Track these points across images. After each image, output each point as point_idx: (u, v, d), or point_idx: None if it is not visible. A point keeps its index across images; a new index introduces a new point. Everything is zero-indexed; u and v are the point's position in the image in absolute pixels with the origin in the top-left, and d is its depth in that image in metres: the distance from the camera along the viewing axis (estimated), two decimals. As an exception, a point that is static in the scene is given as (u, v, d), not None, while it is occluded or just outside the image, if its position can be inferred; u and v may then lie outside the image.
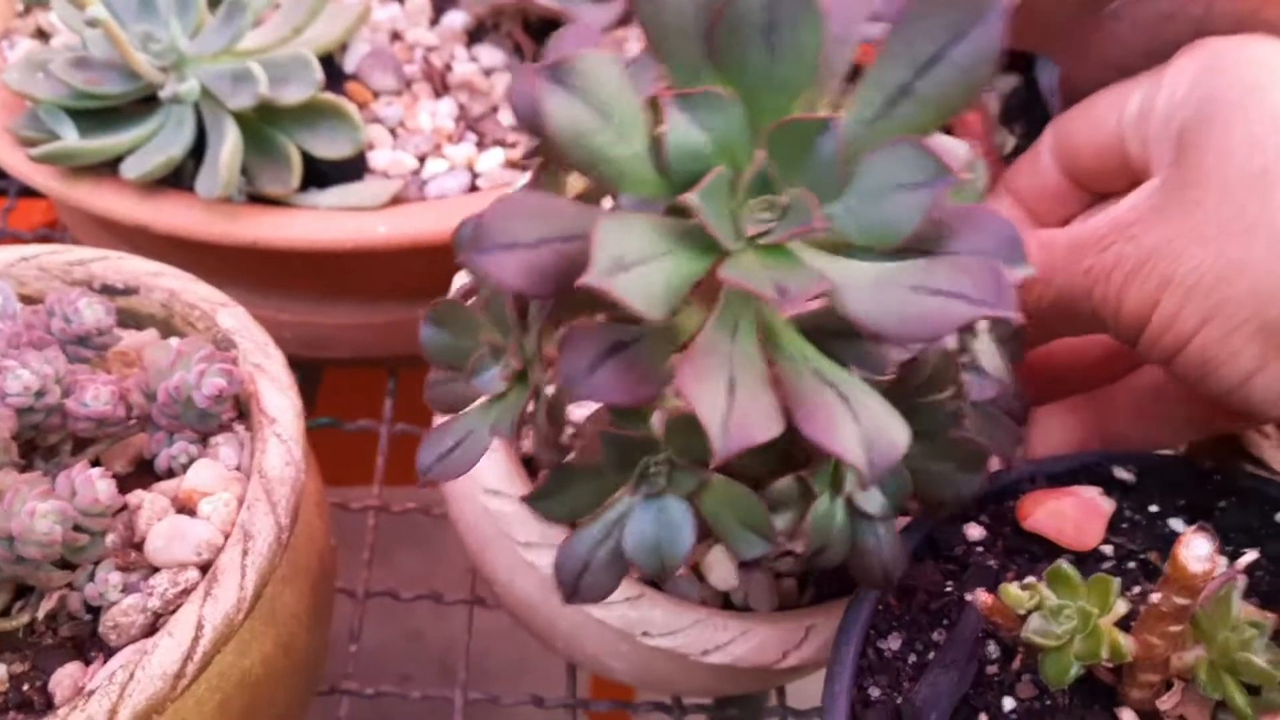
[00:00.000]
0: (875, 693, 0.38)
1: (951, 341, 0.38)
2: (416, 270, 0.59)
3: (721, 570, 0.45)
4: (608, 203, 0.35)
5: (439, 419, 0.46)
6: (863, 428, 0.30)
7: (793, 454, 0.38)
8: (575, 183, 0.38)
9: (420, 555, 0.65)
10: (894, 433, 0.31)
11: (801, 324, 0.36)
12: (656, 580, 0.45)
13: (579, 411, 0.41)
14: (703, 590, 0.45)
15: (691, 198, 0.30)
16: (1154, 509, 0.43)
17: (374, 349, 0.65)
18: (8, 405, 0.38)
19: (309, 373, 0.71)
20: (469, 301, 0.37)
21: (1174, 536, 0.42)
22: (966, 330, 0.39)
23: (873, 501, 0.38)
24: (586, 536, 0.35)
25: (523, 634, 0.53)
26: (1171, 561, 0.34)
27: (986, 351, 0.39)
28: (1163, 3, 0.45)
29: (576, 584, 0.35)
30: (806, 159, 0.31)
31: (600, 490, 0.35)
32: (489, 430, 0.35)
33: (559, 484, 0.35)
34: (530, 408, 0.35)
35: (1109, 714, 0.37)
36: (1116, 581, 0.35)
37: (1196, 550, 0.33)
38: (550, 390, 0.35)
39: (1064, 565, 0.35)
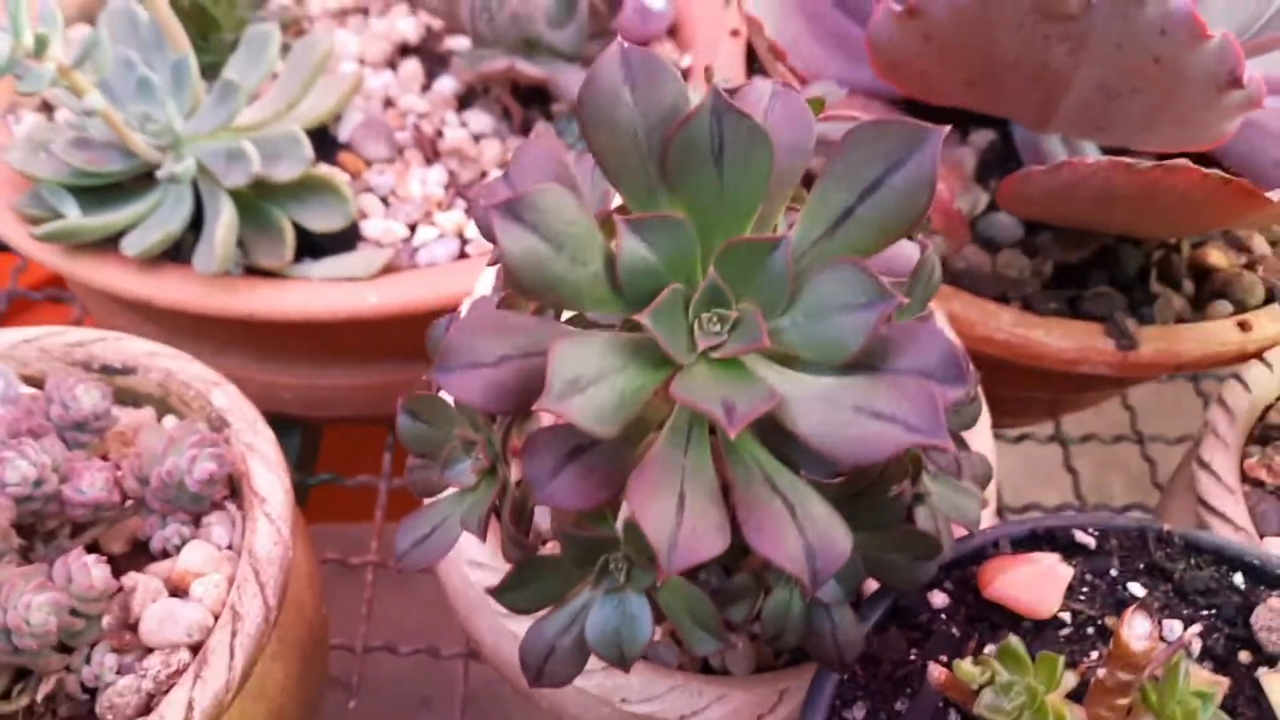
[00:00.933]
0: (840, 762, 0.40)
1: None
2: (409, 335, 0.60)
3: (697, 635, 0.47)
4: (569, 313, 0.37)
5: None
6: (807, 539, 0.32)
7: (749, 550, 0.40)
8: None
9: (418, 609, 0.67)
10: (837, 542, 0.32)
11: (758, 424, 0.38)
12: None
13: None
14: (681, 655, 0.47)
15: (644, 318, 0.31)
16: (1114, 573, 0.45)
17: (372, 408, 0.67)
18: (7, 495, 0.40)
19: (311, 431, 0.74)
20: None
21: (1134, 601, 0.44)
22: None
23: (827, 590, 0.39)
24: (550, 625, 0.37)
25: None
26: (1115, 639, 0.35)
27: None
28: (1065, 173, 0.47)
29: (541, 669, 0.37)
30: (757, 276, 0.32)
31: (563, 583, 0.37)
32: (460, 523, 0.36)
33: (524, 578, 0.36)
34: (499, 502, 0.36)
35: (1066, 781, 0.39)
36: (1062, 659, 0.36)
37: (1137, 630, 0.35)
38: (516, 488, 0.37)
39: (1012, 642, 0.37)
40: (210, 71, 0.64)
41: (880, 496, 0.37)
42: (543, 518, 0.47)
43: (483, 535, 0.36)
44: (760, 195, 0.33)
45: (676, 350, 0.32)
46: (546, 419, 0.35)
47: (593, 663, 0.44)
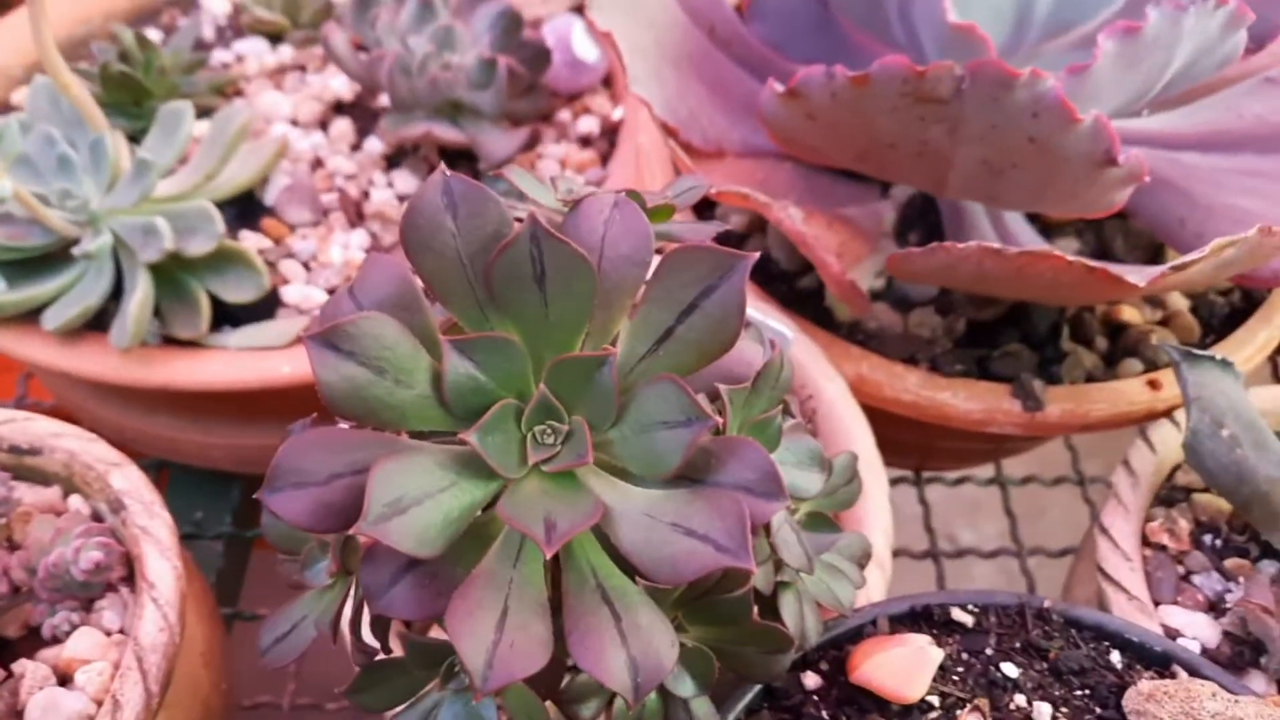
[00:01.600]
0: None
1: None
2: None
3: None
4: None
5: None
6: (630, 652, 0.33)
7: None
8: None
9: (348, 665, 0.68)
10: (661, 654, 0.33)
11: (597, 529, 0.39)
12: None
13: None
14: (570, 728, 0.48)
15: (469, 435, 0.32)
16: (989, 652, 0.45)
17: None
18: (-102, 588, 0.41)
19: (255, 483, 0.75)
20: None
21: (1006, 681, 0.44)
22: (762, 534, 0.41)
23: (682, 684, 0.40)
24: (403, 723, 0.38)
25: None
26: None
27: (787, 544, 0.40)
28: (940, 256, 0.47)
29: (399, 766, 0.38)
30: (586, 390, 0.33)
31: (410, 686, 0.38)
32: (314, 623, 0.37)
33: (371, 680, 0.37)
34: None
35: None
36: (932, 699, 0.37)
37: (971, 730, 0.35)
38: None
39: (857, 739, 0.37)
40: (141, 137, 0.65)
41: (723, 595, 0.38)
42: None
43: (334, 638, 0.37)
44: (585, 313, 0.34)
45: (506, 466, 0.33)
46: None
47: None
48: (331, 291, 0.63)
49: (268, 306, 0.61)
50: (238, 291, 0.59)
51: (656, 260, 0.35)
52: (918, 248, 0.49)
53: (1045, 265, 0.46)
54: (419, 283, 0.38)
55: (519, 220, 0.33)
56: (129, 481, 0.49)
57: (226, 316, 0.61)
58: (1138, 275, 0.46)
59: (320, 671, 0.68)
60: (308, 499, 0.33)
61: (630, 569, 0.36)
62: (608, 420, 0.34)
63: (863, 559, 0.47)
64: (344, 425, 0.37)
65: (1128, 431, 0.87)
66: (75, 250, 0.57)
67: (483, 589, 0.33)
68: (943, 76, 0.45)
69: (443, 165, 0.34)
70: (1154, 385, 0.60)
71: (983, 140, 0.48)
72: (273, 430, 0.66)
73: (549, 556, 0.32)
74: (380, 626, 0.38)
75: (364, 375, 0.32)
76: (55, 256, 0.60)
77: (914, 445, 0.70)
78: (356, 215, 0.66)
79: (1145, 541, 0.55)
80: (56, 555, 0.43)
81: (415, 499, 0.32)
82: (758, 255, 0.33)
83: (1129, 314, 0.63)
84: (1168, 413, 0.59)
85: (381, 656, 0.38)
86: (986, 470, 0.81)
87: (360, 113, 0.73)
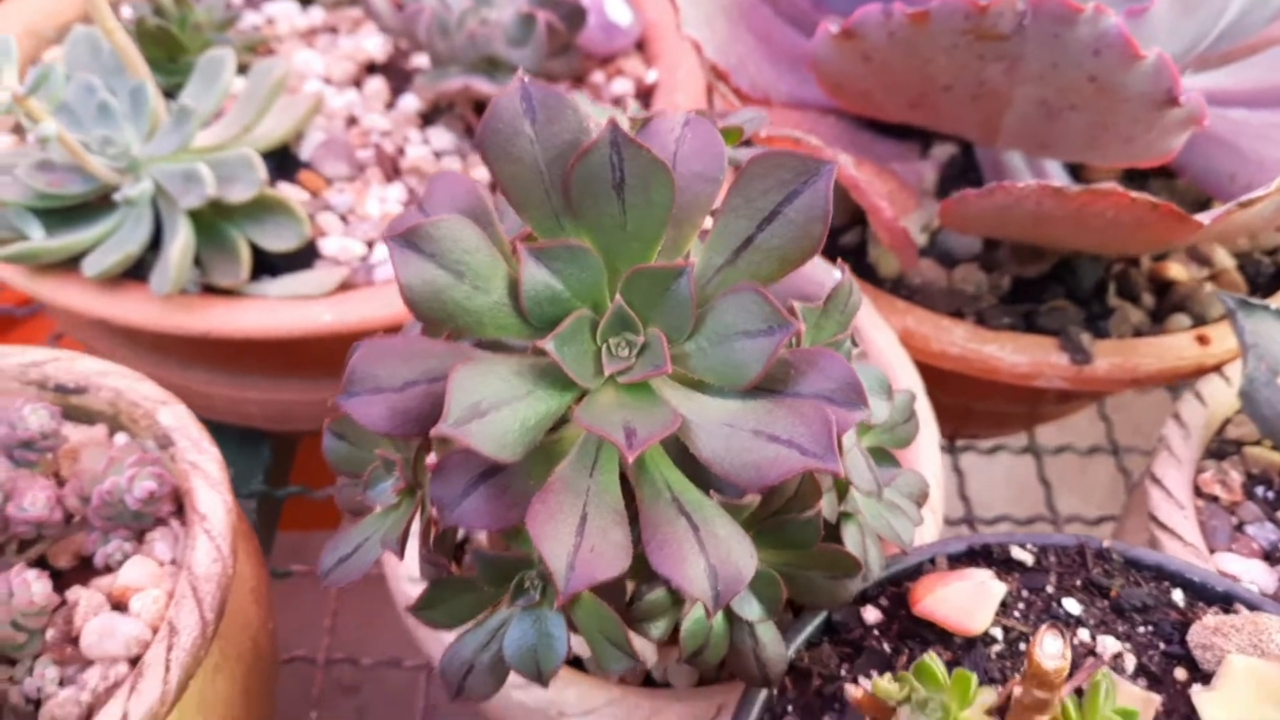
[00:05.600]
0: (764, 778, 0.40)
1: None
2: (367, 351, 0.61)
3: (641, 648, 0.47)
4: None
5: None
6: (709, 560, 0.32)
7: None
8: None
9: (382, 621, 0.67)
10: (740, 563, 0.32)
11: (671, 445, 0.38)
12: (579, 657, 0.47)
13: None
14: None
15: (547, 344, 0.32)
16: (1050, 590, 0.45)
17: (335, 422, 0.68)
18: (-50, 513, 0.41)
19: (284, 444, 0.74)
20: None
21: (1069, 617, 0.44)
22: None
23: (748, 607, 0.39)
24: (470, 642, 0.37)
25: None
26: (1028, 658, 0.35)
27: (857, 467, 0.40)
28: (998, 197, 0.47)
29: (461, 684, 0.37)
30: (662, 302, 0.33)
31: (478, 602, 0.37)
32: (380, 541, 0.37)
33: (439, 596, 0.37)
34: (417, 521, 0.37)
35: (989, 799, 0.39)
36: (975, 677, 0.37)
37: (1049, 649, 0.35)
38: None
39: (928, 659, 0.37)
40: (176, 92, 0.65)
41: (795, 517, 0.38)
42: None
43: (400, 554, 0.36)
44: (663, 224, 0.33)
45: (582, 375, 0.33)
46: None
47: (530, 677, 0.45)
48: (370, 244, 0.62)
49: (306, 258, 0.61)
50: (278, 239, 0.58)
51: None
52: (971, 191, 0.48)
53: (1107, 203, 0.45)
54: (488, 196, 0.38)
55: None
56: (177, 418, 0.48)
57: (264, 268, 0.60)
58: (1201, 215, 0.46)
59: (354, 626, 0.67)
60: (383, 404, 0.32)
61: (706, 483, 0.35)
62: (684, 332, 0.33)
63: (920, 498, 0.46)
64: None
65: (1162, 403, 0.87)
66: (116, 196, 0.56)
67: (561, 495, 0.32)
68: (1004, 11, 0.45)
69: (520, 73, 0.33)
70: (1203, 340, 0.59)
71: (1041, 79, 0.48)
72: (308, 385, 0.65)
73: (630, 461, 0.32)
74: (447, 542, 0.37)
75: (444, 278, 0.32)
76: (94, 205, 0.60)
77: (952, 409, 0.69)
78: (393, 170, 0.66)
79: (1197, 493, 0.54)
80: (110, 483, 0.43)
81: (493, 404, 0.31)
82: (841, 160, 0.32)
83: (1176, 271, 0.62)
84: (1217, 368, 0.58)
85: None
86: (1020, 440, 0.80)
87: (393, 74, 0.73)
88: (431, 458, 0.37)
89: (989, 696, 0.38)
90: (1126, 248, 0.54)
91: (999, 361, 0.58)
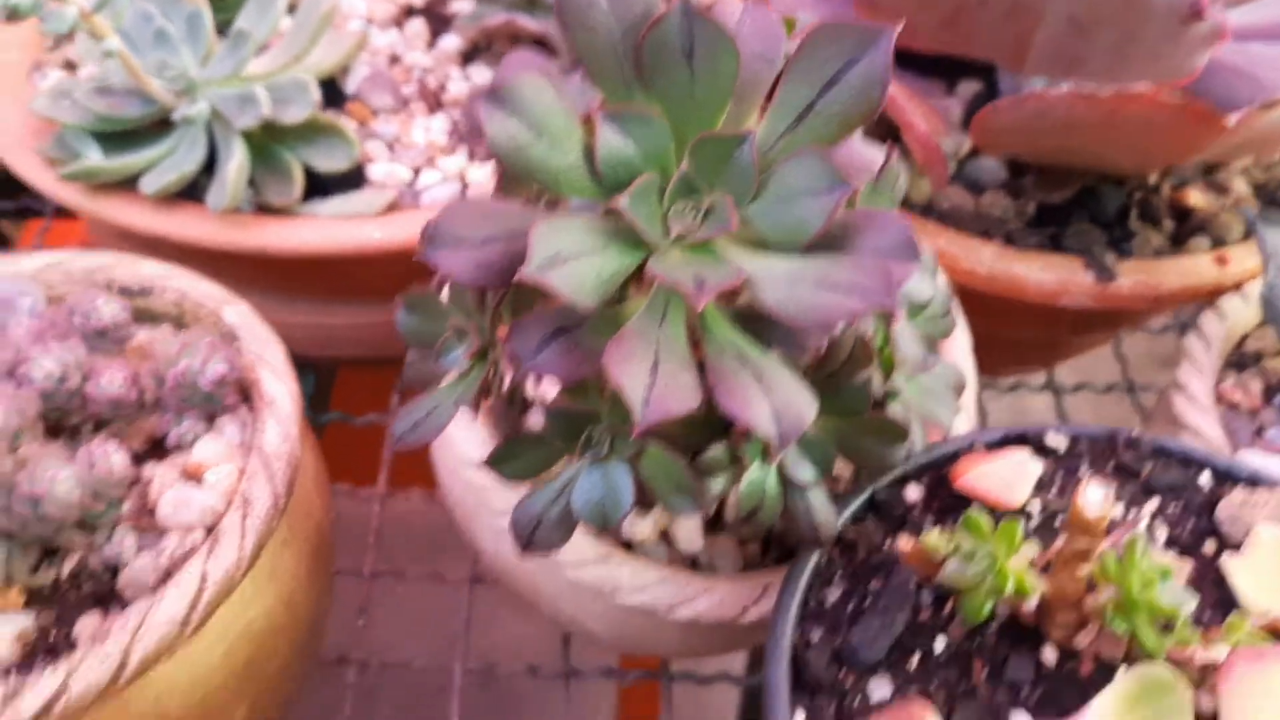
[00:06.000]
0: (816, 636, 0.42)
1: (869, 329, 0.42)
2: (410, 273, 0.63)
3: (688, 534, 0.49)
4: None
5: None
6: (773, 402, 0.34)
7: (727, 428, 0.42)
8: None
9: (422, 539, 0.69)
10: (802, 406, 0.34)
11: (732, 311, 0.40)
12: (628, 543, 0.49)
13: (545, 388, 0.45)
14: (671, 554, 0.49)
15: (621, 201, 0.34)
16: (1082, 472, 0.47)
17: (379, 348, 0.70)
18: (33, 389, 0.43)
19: (324, 372, 0.76)
20: (439, 291, 0.41)
21: (1101, 496, 0.45)
22: (885, 322, 0.43)
23: (801, 470, 0.41)
24: (539, 497, 0.39)
25: (519, 612, 0.56)
26: (1071, 508, 0.37)
27: (905, 336, 0.42)
28: (1031, 104, 0.49)
29: (530, 538, 0.39)
30: (726, 168, 0.35)
31: (549, 456, 0.39)
32: (454, 402, 0.39)
33: (513, 450, 0.39)
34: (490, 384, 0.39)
35: (1032, 652, 0.41)
36: (1020, 524, 0.38)
37: (1092, 497, 0.37)
38: (505, 369, 0.39)
39: (974, 513, 0.39)
40: (224, 29, 0.67)
41: (848, 381, 0.40)
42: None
43: (475, 410, 0.38)
44: (728, 94, 0.35)
45: (651, 233, 0.34)
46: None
47: (587, 553, 0.47)
48: (417, 171, 0.64)
49: (354, 182, 0.63)
50: (330, 160, 0.60)
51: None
52: (1005, 99, 0.50)
53: (1137, 106, 0.47)
54: (557, 72, 0.40)
55: None
56: (240, 316, 0.50)
57: (315, 191, 0.62)
58: (1230, 117, 0.48)
59: (399, 540, 0.69)
60: (466, 257, 0.34)
61: (766, 343, 0.37)
62: (747, 196, 0.35)
63: (958, 389, 0.48)
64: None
65: (1176, 345, 0.89)
66: (175, 115, 0.58)
67: (634, 342, 0.34)
68: (1039, -78, 0.47)
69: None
70: (1222, 261, 0.61)
71: (1073, -8, 0.50)
72: (355, 309, 0.67)
73: (699, 308, 0.34)
74: (517, 399, 0.39)
75: (526, 134, 0.34)
76: (149, 130, 0.62)
77: (975, 338, 0.71)
78: (436, 103, 0.68)
79: (1218, 401, 0.56)
80: (184, 365, 0.44)
81: (571, 255, 0.33)
82: (902, 24, 0.34)
83: (1195, 198, 0.65)
84: (1236, 287, 0.60)
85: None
86: (1038, 378, 0.82)
87: (432, 17, 0.75)
88: (502, 332, 0.39)
89: (1031, 550, 0.40)
90: (1153, 157, 0.56)
91: (1026, 280, 0.60)
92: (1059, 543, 0.38)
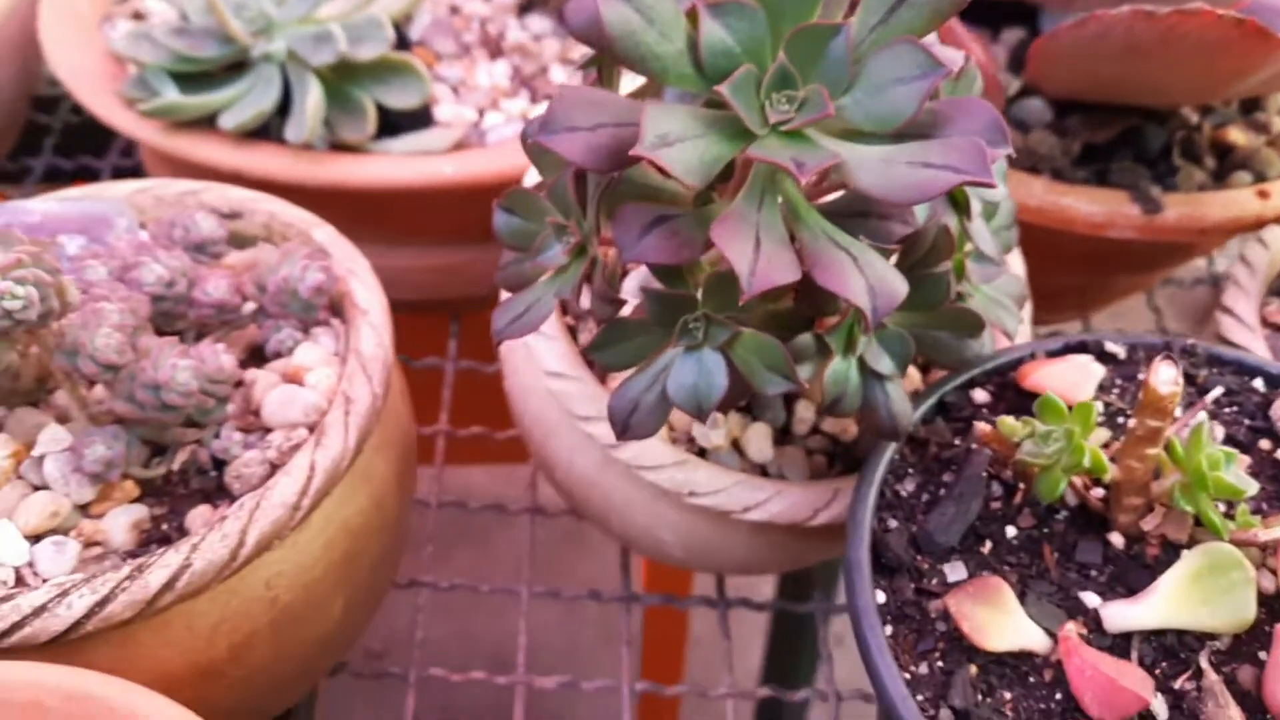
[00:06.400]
0: (893, 523, 0.44)
1: (952, 226, 0.44)
2: (478, 212, 0.65)
3: (759, 444, 0.51)
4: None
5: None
6: (868, 279, 0.36)
7: (811, 323, 0.44)
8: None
9: (484, 474, 0.71)
10: (895, 285, 0.37)
11: (818, 205, 0.42)
12: (702, 451, 0.51)
13: (631, 284, 0.47)
14: (742, 464, 0.51)
15: (724, 89, 0.36)
16: (1141, 377, 0.49)
17: (438, 291, 0.72)
18: (144, 293, 0.45)
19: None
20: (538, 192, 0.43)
21: (1160, 398, 0.47)
22: (964, 215, 0.45)
23: (882, 362, 0.43)
24: (636, 384, 0.41)
25: (579, 540, 0.58)
26: (1144, 388, 0.39)
27: (981, 234, 0.44)
28: (1091, 26, 0.51)
29: (627, 423, 0.41)
30: (820, 59, 0.37)
31: (646, 344, 0.41)
32: (554, 294, 0.41)
33: (612, 337, 0.41)
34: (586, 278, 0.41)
35: (1100, 537, 0.43)
36: (1096, 405, 0.40)
37: (1163, 376, 0.39)
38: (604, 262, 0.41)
39: (1051, 395, 0.41)
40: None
41: (928, 272, 0.42)
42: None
43: (576, 301, 0.40)
44: (822, -15, 0.37)
45: (751, 120, 0.37)
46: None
47: (665, 457, 0.49)
48: (481, 112, 0.66)
49: (422, 120, 0.65)
50: (403, 97, 0.62)
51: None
52: (1065, 23, 0.52)
53: (1195, 23, 0.49)
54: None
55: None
56: (328, 236, 0.52)
57: (384, 131, 0.64)
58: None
59: (460, 480, 0.71)
60: (579, 140, 0.36)
61: (855, 232, 0.39)
62: (840, 87, 0.37)
63: (1020, 299, 0.50)
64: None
65: (1209, 298, 0.90)
66: (254, 52, 0.61)
67: (737, 221, 0.36)
68: None
69: None
70: (1263, 195, 0.63)
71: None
72: (416, 252, 0.69)
73: (803, 181, 0.36)
74: (615, 288, 0.41)
75: (638, 20, 0.36)
76: (224, 72, 0.64)
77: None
78: (497, 49, 0.70)
79: (1263, 324, 0.58)
80: (285, 273, 0.47)
81: (679, 137, 0.35)
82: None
83: (1235, 135, 0.66)
84: (1278, 219, 0.62)
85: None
86: (1074, 327, 0.84)
87: (487, -28, 0.77)
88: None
89: (1102, 435, 0.42)
90: (1209, 80, 0.57)
91: (1075, 211, 0.62)
92: (1130, 422, 0.40)
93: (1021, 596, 0.41)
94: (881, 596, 0.41)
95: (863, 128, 0.37)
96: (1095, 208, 0.62)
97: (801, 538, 0.52)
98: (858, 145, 0.37)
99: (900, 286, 0.37)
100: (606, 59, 0.43)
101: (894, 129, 0.37)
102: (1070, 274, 0.73)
